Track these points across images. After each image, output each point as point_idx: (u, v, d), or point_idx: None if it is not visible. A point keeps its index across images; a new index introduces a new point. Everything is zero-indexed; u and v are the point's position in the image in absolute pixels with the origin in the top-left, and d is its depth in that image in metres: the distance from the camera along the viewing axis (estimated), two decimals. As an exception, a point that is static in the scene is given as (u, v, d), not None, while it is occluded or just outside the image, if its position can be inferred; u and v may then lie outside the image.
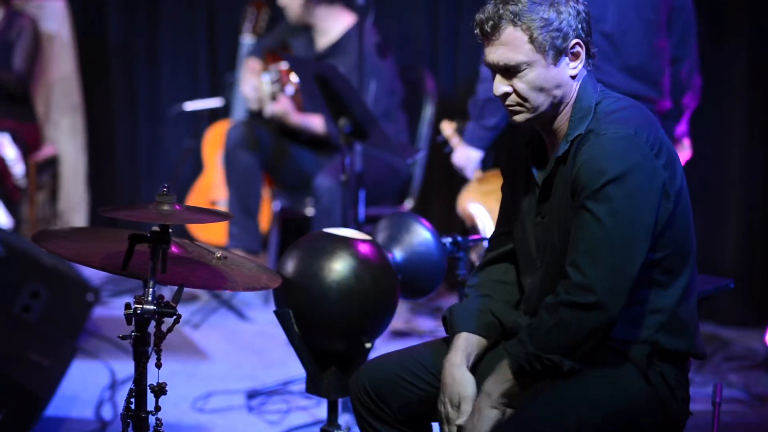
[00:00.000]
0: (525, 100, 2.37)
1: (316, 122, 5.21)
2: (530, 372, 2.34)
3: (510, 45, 2.34)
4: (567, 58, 2.38)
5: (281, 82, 5.17)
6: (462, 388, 2.45)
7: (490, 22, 2.35)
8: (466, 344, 2.53)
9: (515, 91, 2.38)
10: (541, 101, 2.38)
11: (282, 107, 5.21)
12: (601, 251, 2.29)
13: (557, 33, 2.34)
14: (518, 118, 2.41)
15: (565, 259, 2.34)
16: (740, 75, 5.04)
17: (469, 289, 2.63)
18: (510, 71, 2.37)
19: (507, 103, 2.40)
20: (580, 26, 2.37)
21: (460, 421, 2.44)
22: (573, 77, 2.40)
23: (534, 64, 2.35)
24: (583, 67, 2.41)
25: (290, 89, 5.16)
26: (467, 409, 2.44)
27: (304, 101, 5.24)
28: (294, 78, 5.14)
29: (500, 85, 2.39)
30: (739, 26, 5.02)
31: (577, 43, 2.38)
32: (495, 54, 2.37)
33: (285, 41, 5.37)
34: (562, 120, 2.42)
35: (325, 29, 5.21)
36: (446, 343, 2.59)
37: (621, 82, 3.57)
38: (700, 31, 3.92)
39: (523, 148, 2.54)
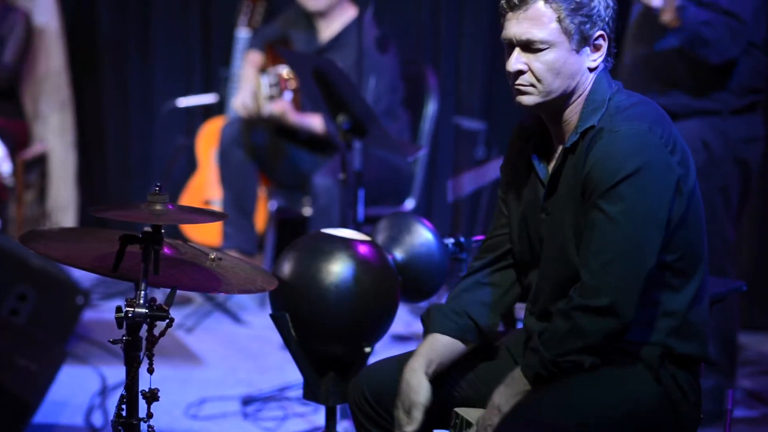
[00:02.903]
0: (539, 81, 2.37)
1: (315, 122, 5.21)
2: (548, 378, 2.34)
3: (536, 21, 2.34)
4: (589, 49, 2.38)
5: (279, 87, 5.18)
6: (415, 395, 2.46)
7: None
8: (430, 350, 2.52)
9: (531, 70, 2.38)
10: (556, 86, 2.37)
11: (280, 107, 5.21)
12: (613, 252, 2.29)
13: (586, 19, 2.35)
14: (526, 99, 2.40)
15: (578, 259, 2.35)
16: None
17: (452, 291, 2.64)
18: (530, 48, 2.36)
19: (518, 82, 2.39)
20: (607, 20, 2.38)
21: (410, 428, 2.45)
22: (591, 69, 2.40)
23: (556, 46, 2.35)
24: (602, 61, 2.42)
25: (288, 95, 5.17)
26: (417, 416, 2.45)
27: (303, 99, 5.24)
28: (293, 83, 5.15)
29: (517, 61, 2.38)
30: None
31: (602, 35, 2.38)
32: (518, 27, 2.37)
33: (285, 34, 5.37)
34: (572, 112, 2.42)
35: (331, 18, 5.21)
36: None
37: None
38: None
39: (525, 145, 2.54)
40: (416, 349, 2.54)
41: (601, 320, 2.30)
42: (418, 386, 2.47)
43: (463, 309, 2.56)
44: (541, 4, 2.34)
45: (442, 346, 2.53)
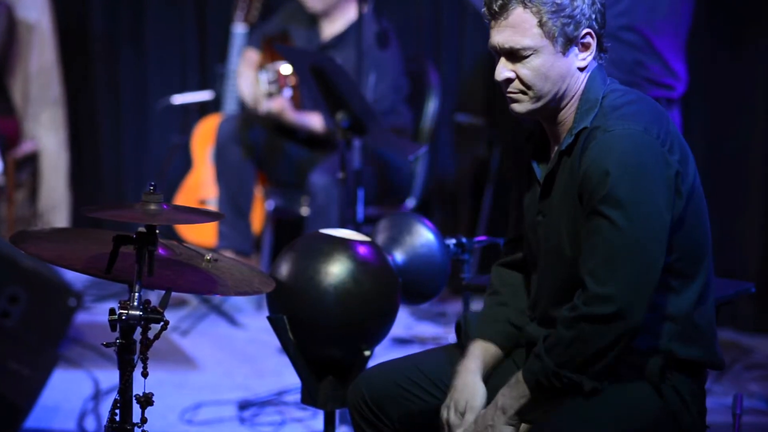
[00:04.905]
0: (528, 88, 2.38)
1: (314, 121, 5.21)
2: (549, 388, 2.35)
3: (517, 27, 2.35)
4: (576, 49, 2.38)
5: (278, 83, 5.18)
6: (471, 397, 2.46)
7: (499, 2, 2.36)
8: (483, 353, 2.54)
9: (518, 78, 2.38)
10: (546, 91, 2.38)
11: (278, 105, 5.21)
12: (619, 257, 2.29)
13: (568, 20, 2.34)
14: (518, 107, 2.41)
15: (579, 265, 2.34)
16: (762, 69, 5.04)
17: (488, 297, 2.64)
18: (515, 55, 2.37)
19: (508, 90, 2.40)
20: (594, 16, 2.37)
21: (461, 431, 2.45)
22: (581, 69, 2.40)
23: (541, 51, 2.35)
24: (594, 59, 2.41)
25: (288, 92, 5.17)
26: (470, 419, 2.45)
27: (304, 97, 5.24)
28: (292, 80, 5.15)
29: (503, 70, 2.39)
30: (761, 21, 5.03)
31: (588, 34, 2.38)
32: (501, 35, 2.37)
33: (285, 30, 5.37)
34: (568, 113, 2.42)
35: (333, 17, 5.22)
36: (448, 351, 2.59)
37: None
38: (719, 27, 3.92)
39: (525, 143, 2.54)
40: (467, 351, 2.54)
41: (607, 328, 2.29)
42: (475, 388, 2.48)
43: (505, 316, 2.58)
44: (520, 11, 2.34)
45: (492, 351, 2.55)
